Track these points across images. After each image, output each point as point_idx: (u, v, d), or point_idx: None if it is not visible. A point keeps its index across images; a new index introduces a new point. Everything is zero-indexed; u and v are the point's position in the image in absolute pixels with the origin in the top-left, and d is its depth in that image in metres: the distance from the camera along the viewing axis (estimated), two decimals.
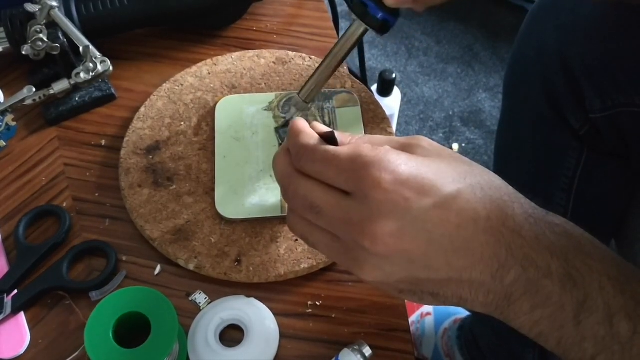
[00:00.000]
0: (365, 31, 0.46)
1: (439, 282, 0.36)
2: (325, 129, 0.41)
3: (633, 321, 0.35)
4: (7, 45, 0.67)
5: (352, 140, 0.40)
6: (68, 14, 0.67)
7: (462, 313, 1.09)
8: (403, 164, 0.35)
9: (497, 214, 0.35)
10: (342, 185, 0.36)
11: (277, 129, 0.64)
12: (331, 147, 0.38)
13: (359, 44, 0.88)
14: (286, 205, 0.58)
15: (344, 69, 0.70)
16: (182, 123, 0.65)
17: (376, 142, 0.39)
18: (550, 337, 0.37)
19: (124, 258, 0.58)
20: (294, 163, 0.39)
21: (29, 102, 0.65)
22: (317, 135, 0.40)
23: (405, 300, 0.57)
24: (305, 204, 0.38)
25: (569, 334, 0.36)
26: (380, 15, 0.43)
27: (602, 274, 0.35)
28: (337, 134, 0.40)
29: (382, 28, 0.45)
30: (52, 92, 0.66)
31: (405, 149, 0.38)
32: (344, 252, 0.37)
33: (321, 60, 0.71)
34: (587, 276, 0.35)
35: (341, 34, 0.86)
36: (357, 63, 1.04)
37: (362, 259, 0.36)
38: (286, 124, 0.64)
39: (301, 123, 0.41)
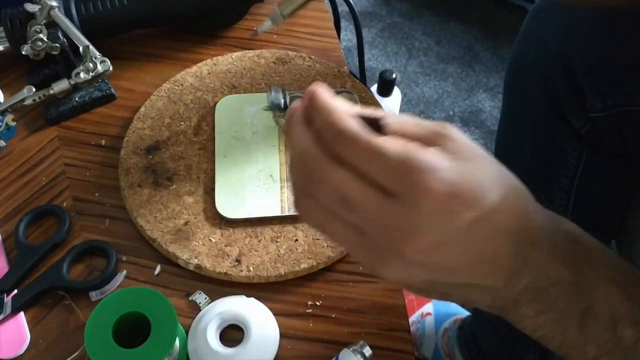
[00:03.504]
0: None
1: (456, 285, 0.36)
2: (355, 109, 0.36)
3: (638, 327, 0.35)
4: (7, 45, 0.67)
5: (383, 121, 0.36)
6: (68, 14, 0.67)
7: (462, 313, 1.09)
8: (455, 174, 0.32)
9: (521, 226, 0.35)
10: (387, 183, 0.33)
11: (271, 109, 0.62)
12: (378, 139, 0.33)
13: (359, 43, 0.88)
14: (287, 206, 0.58)
15: (344, 68, 0.70)
16: (182, 123, 0.65)
17: (406, 124, 0.36)
18: (552, 340, 0.37)
19: (124, 258, 0.58)
20: (325, 144, 0.34)
21: (29, 102, 0.65)
22: (353, 114, 0.34)
23: (405, 301, 0.57)
24: (335, 196, 0.34)
25: (572, 337, 0.36)
26: None
27: (609, 281, 0.35)
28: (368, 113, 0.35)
29: None
30: (52, 92, 0.66)
31: (436, 139, 0.35)
32: (368, 249, 0.34)
33: (323, 60, 0.71)
34: (595, 283, 0.35)
35: (341, 34, 0.86)
36: (357, 63, 1.04)
37: (393, 260, 0.34)
38: (280, 108, 0.62)
39: (329, 96, 0.35)
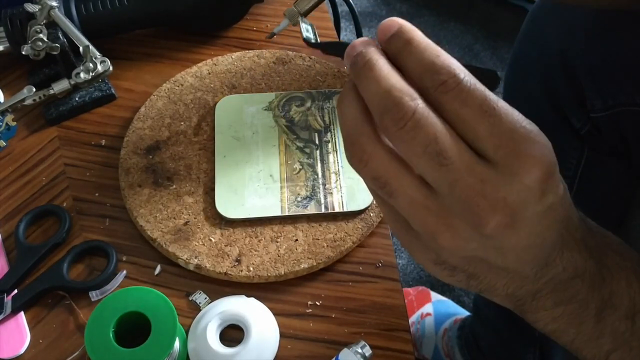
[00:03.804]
0: None
1: (494, 268, 0.33)
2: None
3: None
4: (7, 45, 0.67)
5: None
6: (68, 14, 0.67)
7: (462, 313, 1.09)
8: (553, 157, 0.30)
9: (566, 217, 0.34)
10: (489, 149, 0.29)
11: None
12: (492, 97, 0.29)
13: None
14: (286, 205, 0.58)
15: (344, 68, 0.70)
16: (182, 123, 0.65)
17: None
18: (566, 333, 0.36)
19: (124, 258, 0.58)
20: (422, 86, 0.29)
21: (29, 102, 0.65)
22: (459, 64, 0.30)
23: (405, 301, 0.57)
24: (428, 147, 0.29)
25: (587, 330, 0.35)
26: None
27: (631, 272, 0.35)
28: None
29: None
30: (52, 92, 0.66)
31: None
32: (435, 213, 0.30)
33: (323, 60, 0.71)
34: (616, 273, 0.35)
35: (341, 34, 0.86)
36: None
37: (462, 228, 0.30)
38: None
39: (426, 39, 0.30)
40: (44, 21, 0.65)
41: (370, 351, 0.49)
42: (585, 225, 0.36)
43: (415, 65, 0.30)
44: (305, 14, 0.52)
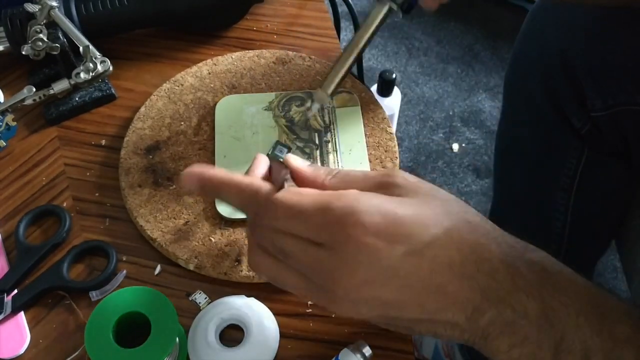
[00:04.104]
0: (389, 12, 0.45)
1: (412, 320, 0.37)
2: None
3: None
4: (7, 45, 0.67)
5: (321, 175, 0.40)
6: (68, 14, 0.67)
7: None
8: (375, 213, 0.35)
9: (472, 258, 0.35)
10: (314, 238, 0.36)
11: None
12: (294, 201, 0.37)
13: None
14: None
15: None
16: (182, 123, 0.65)
17: (351, 180, 0.39)
18: None
19: (124, 258, 0.58)
20: (257, 220, 0.39)
21: (29, 102, 0.65)
22: (269, 186, 0.39)
23: None
24: (274, 247, 0.38)
25: None
26: None
27: (579, 313, 0.35)
28: (296, 165, 0.41)
29: (406, 5, 0.44)
30: (52, 92, 0.66)
31: (381, 187, 0.37)
32: (316, 291, 0.37)
33: (323, 60, 0.71)
34: (564, 315, 0.35)
35: (341, 34, 0.86)
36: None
37: (336, 300, 0.36)
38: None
39: (249, 178, 0.41)
40: (44, 21, 0.65)
41: (370, 351, 0.49)
42: (523, 263, 0.36)
43: (234, 200, 0.41)
44: (332, 94, 0.53)
